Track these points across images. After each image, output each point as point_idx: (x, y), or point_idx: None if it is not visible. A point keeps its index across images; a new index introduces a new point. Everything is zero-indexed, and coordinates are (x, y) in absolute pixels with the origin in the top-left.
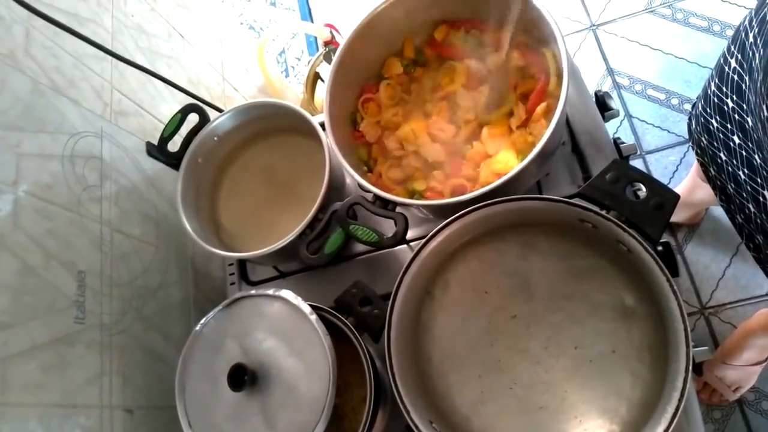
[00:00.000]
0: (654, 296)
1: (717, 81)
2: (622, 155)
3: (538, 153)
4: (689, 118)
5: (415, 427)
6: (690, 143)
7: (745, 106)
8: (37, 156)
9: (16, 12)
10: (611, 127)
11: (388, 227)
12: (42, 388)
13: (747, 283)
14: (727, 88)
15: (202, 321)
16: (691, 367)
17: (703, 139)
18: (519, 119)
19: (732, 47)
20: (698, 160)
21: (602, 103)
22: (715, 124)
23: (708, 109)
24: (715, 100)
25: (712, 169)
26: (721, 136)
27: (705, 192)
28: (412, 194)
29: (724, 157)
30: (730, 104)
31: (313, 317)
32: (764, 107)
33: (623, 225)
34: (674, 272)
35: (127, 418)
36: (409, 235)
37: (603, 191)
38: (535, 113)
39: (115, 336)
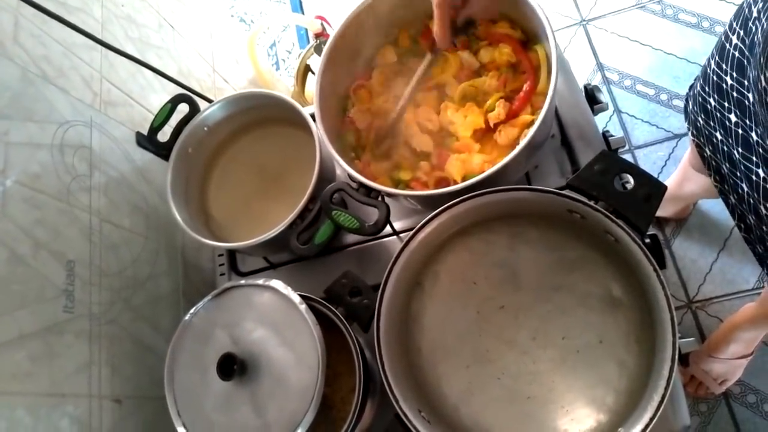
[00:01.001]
0: (641, 287)
1: (717, 59)
2: (610, 148)
3: (526, 145)
4: (686, 99)
5: (404, 415)
6: (686, 125)
7: (746, 82)
8: (25, 145)
9: (4, 0)
10: (600, 123)
11: (375, 217)
12: (30, 377)
13: (734, 277)
14: (727, 65)
15: (192, 311)
16: (677, 356)
17: (699, 119)
18: (497, 117)
19: (734, 24)
20: (693, 141)
21: (591, 97)
22: (713, 103)
23: (706, 88)
24: (714, 78)
25: (707, 150)
26: (718, 114)
27: (694, 185)
28: (396, 183)
29: (719, 137)
30: (730, 81)
31: (303, 307)
32: (762, 78)
33: (611, 215)
34: (661, 264)
35: (116, 407)
36: (398, 226)
37: (591, 182)
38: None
39: (103, 326)
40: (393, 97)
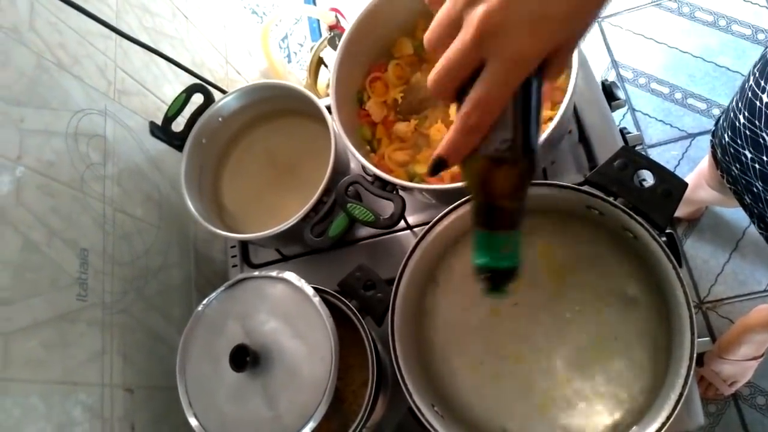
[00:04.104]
0: (658, 284)
1: (747, 114)
2: (628, 145)
3: (545, 141)
4: (712, 146)
5: (418, 410)
6: (718, 172)
7: None
8: (40, 132)
9: None
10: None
11: (390, 210)
12: (43, 365)
13: (746, 278)
14: (760, 122)
15: (204, 302)
16: (695, 355)
17: (734, 168)
18: None
19: (761, 81)
20: (730, 188)
21: (609, 93)
22: (749, 155)
23: (738, 141)
24: (747, 132)
25: (747, 198)
26: (757, 166)
27: (708, 193)
28: (412, 177)
29: (760, 186)
30: (766, 137)
31: (316, 299)
32: None
33: (630, 212)
34: (678, 262)
35: (128, 397)
36: (412, 220)
37: (611, 178)
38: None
39: (116, 315)
40: None
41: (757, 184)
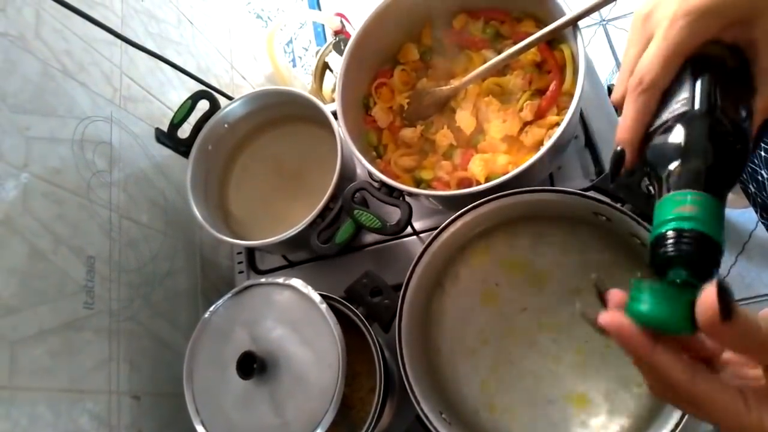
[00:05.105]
0: None
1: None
2: None
3: (551, 146)
4: None
5: (425, 417)
6: None
7: None
8: (46, 140)
9: None
10: None
11: (396, 217)
12: (50, 373)
13: (752, 282)
14: None
15: (211, 308)
16: None
17: (750, 187)
18: (524, 118)
19: None
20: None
21: None
22: (765, 175)
23: (755, 160)
24: (763, 154)
25: (751, 187)
26: (763, 153)
27: None
28: (418, 183)
29: (765, 174)
30: None
31: (324, 306)
32: None
33: (638, 218)
34: None
35: (135, 404)
36: (419, 226)
37: (618, 184)
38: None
39: (122, 322)
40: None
41: (762, 171)
